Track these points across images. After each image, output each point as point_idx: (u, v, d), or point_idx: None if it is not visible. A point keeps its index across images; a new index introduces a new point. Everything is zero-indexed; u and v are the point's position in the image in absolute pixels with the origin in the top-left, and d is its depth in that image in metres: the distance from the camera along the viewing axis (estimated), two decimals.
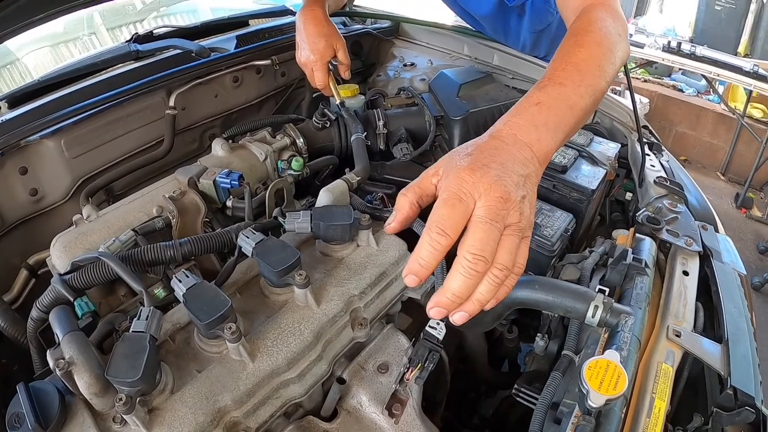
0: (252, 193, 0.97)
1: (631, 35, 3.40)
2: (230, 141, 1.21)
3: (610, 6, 0.91)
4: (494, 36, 1.70)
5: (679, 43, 3.27)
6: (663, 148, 1.34)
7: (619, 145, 1.28)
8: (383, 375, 0.87)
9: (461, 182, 0.55)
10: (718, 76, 3.25)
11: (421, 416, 0.87)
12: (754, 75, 3.07)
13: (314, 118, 1.28)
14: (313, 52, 1.28)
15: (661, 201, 1.10)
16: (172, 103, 1.29)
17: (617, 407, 0.79)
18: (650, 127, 1.38)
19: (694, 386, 0.96)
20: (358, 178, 1.01)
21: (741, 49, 3.67)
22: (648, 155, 1.23)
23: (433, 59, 1.69)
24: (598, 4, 0.91)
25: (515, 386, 0.94)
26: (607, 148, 1.26)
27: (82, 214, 0.98)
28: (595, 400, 0.74)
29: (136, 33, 1.51)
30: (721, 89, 3.81)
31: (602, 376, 0.76)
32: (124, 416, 0.73)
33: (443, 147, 1.34)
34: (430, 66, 1.67)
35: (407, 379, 0.79)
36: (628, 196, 1.26)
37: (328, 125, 1.27)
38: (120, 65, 1.39)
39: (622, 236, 1.05)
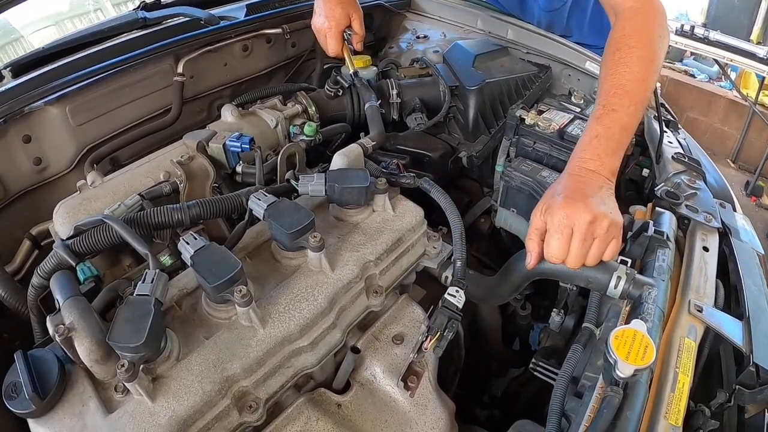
0: (263, 158, 0.94)
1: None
2: (240, 108, 1.17)
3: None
4: (510, 11, 1.67)
5: (693, 27, 3.19)
6: (679, 126, 1.31)
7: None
8: (398, 346, 0.84)
9: (561, 217, 0.78)
10: (731, 61, 3.17)
11: (437, 389, 0.84)
12: None
13: (326, 85, 1.25)
14: (328, 19, 1.24)
15: (680, 177, 1.07)
16: (180, 69, 1.26)
17: (644, 379, 0.76)
18: (666, 105, 1.35)
19: (709, 364, 0.94)
20: (373, 143, 0.98)
21: (753, 36, 3.62)
22: (665, 132, 1.19)
23: (447, 32, 1.66)
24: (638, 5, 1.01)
25: (533, 361, 0.91)
26: None
27: (86, 181, 0.94)
28: (624, 370, 0.71)
29: (144, 1, 1.47)
30: (733, 75, 3.73)
31: (629, 346, 0.73)
32: (126, 384, 0.70)
33: (457, 118, 1.31)
34: (443, 38, 1.63)
35: (425, 348, 0.76)
36: (645, 172, 1.22)
37: (340, 93, 1.24)
38: (127, 33, 1.35)
39: (639, 211, 1.02)
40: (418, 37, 1.65)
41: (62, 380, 0.74)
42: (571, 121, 1.20)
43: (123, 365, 0.66)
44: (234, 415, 0.72)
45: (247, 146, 0.92)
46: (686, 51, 3.45)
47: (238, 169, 0.96)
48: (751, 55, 3.03)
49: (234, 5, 1.59)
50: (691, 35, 3.18)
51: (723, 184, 1.16)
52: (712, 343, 0.89)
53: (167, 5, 1.49)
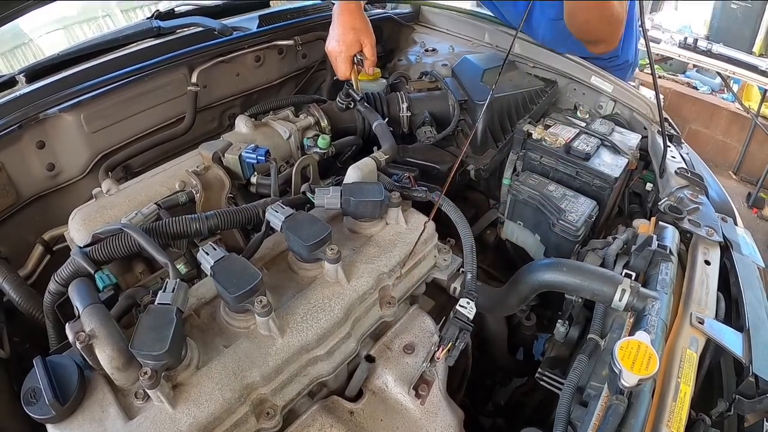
0: (278, 170, 0.96)
1: (647, 30, 3.39)
2: (253, 119, 1.19)
3: None
4: (514, 24, 1.67)
5: (696, 40, 3.25)
6: (682, 140, 1.34)
7: (640, 136, 1.28)
8: (409, 355, 0.87)
9: None
10: (734, 73, 3.22)
11: (447, 398, 0.86)
12: None
13: (338, 98, 1.26)
14: (339, 44, 1.27)
15: (683, 192, 1.10)
16: (194, 79, 1.28)
17: (647, 389, 0.79)
18: (670, 120, 1.38)
19: (710, 374, 0.96)
20: (386, 157, 1.00)
21: (756, 48, 3.66)
22: (669, 146, 1.23)
23: (455, 46, 1.69)
24: None
25: (538, 371, 0.93)
26: (629, 138, 1.26)
27: (101, 188, 0.96)
28: (628, 380, 0.74)
29: (158, 10, 1.50)
30: (735, 88, 3.77)
31: (634, 357, 0.76)
32: (148, 391, 0.71)
33: (466, 131, 1.33)
34: (451, 52, 1.66)
35: (437, 358, 0.78)
36: (648, 186, 1.25)
37: (352, 106, 1.26)
38: (141, 41, 1.37)
39: (643, 225, 1.05)
40: (426, 50, 1.68)
41: (82, 386, 0.75)
42: (577, 135, 1.22)
43: (146, 372, 0.67)
44: (252, 422, 0.74)
45: (263, 158, 0.94)
46: (689, 63, 3.49)
47: (253, 180, 0.98)
48: (753, 68, 3.08)
49: (246, 16, 1.62)
50: (694, 48, 3.22)
51: (725, 198, 1.18)
52: (713, 354, 0.91)
53: (181, 15, 1.51)
